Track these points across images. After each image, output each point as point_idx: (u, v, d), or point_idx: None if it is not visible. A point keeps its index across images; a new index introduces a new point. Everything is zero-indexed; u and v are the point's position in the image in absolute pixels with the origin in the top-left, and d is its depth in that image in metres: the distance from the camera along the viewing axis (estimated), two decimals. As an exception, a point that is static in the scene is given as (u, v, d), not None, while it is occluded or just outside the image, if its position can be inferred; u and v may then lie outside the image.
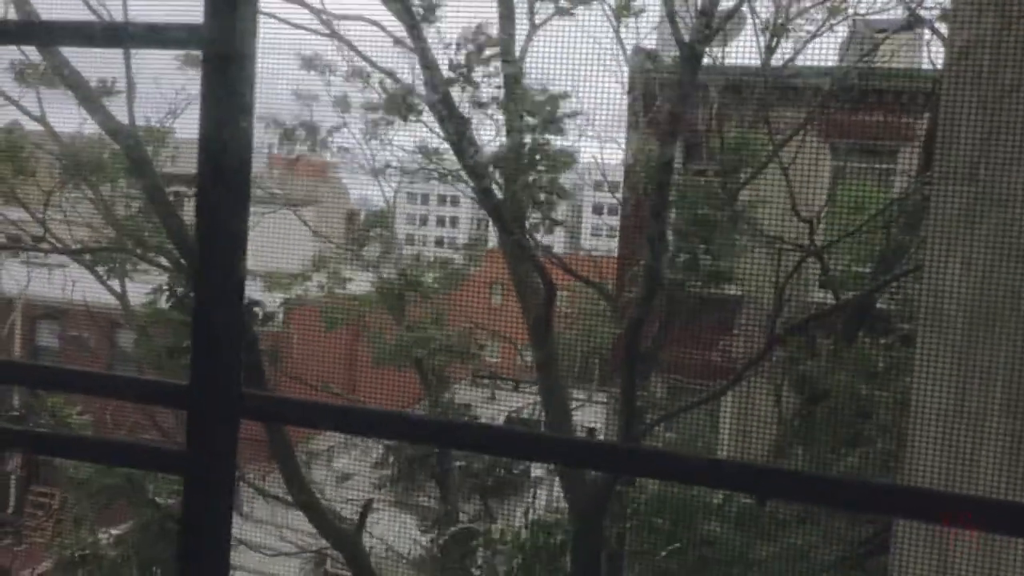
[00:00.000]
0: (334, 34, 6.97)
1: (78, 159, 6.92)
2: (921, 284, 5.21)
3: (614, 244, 8.35)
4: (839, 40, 6.85)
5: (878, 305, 6.39)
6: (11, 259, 8.27)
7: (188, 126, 7.55)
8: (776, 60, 6.61)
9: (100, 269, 7.21)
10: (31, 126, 7.32)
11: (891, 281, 6.06)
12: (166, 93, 6.99)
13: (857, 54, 6.55)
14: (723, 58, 6.73)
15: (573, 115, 6.78)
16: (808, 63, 6.65)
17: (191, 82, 6.98)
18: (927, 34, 6.32)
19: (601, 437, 7.73)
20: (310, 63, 7.12)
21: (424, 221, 9.52)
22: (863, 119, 6.73)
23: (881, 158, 7.08)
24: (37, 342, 9.52)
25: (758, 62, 6.42)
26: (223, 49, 0.91)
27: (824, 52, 7.02)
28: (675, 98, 6.28)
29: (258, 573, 7.93)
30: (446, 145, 7.03)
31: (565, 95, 6.72)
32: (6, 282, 8.77)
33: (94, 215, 7.15)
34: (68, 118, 6.76)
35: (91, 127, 6.64)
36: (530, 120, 6.79)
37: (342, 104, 7.16)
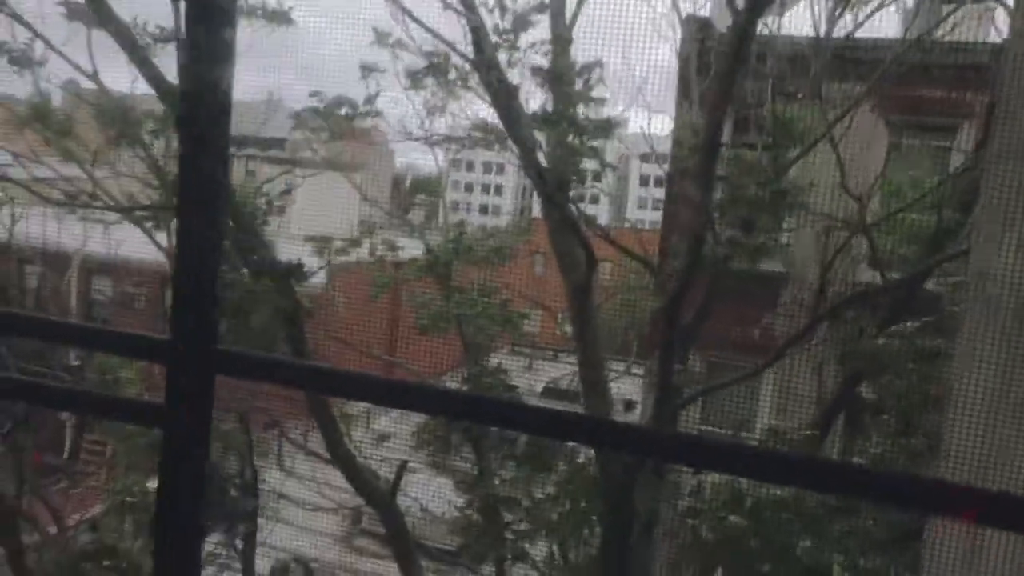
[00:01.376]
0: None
1: (127, 116, 7.05)
2: (970, 266, 5.05)
3: (659, 216, 8.25)
4: (903, 11, 6.60)
5: (927, 286, 6.21)
6: (69, 215, 8.51)
7: (239, 86, 7.64)
8: (837, 32, 6.40)
9: (148, 225, 7.38)
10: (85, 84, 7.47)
11: (941, 262, 5.87)
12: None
13: (922, 26, 6.30)
14: (779, 28, 6.54)
15: (602, 98, 6.66)
16: (870, 35, 6.43)
17: (243, 34, 7.03)
18: (995, 5, 6.04)
19: (639, 410, 7.70)
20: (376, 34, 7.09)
21: (470, 188, 9.53)
22: (923, 94, 6.49)
23: (940, 135, 6.83)
24: (92, 296, 9.83)
25: (817, 33, 6.21)
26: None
27: (887, 24, 6.78)
28: (727, 69, 6.12)
29: (298, 526, 8.15)
30: (493, 112, 6.99)
31: (599, 64, 6.59)
32: (65, 238, 9.07)
33: (144, 173, 7.31)
34: (120, 75, 6.88)
35: (142, 85, 6.74)
36: (576, 88, 6.70)
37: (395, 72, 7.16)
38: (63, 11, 6.85)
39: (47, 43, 7.07)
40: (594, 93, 6.90)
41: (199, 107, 0.90)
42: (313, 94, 7.07)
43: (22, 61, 7.27)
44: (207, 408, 0.95)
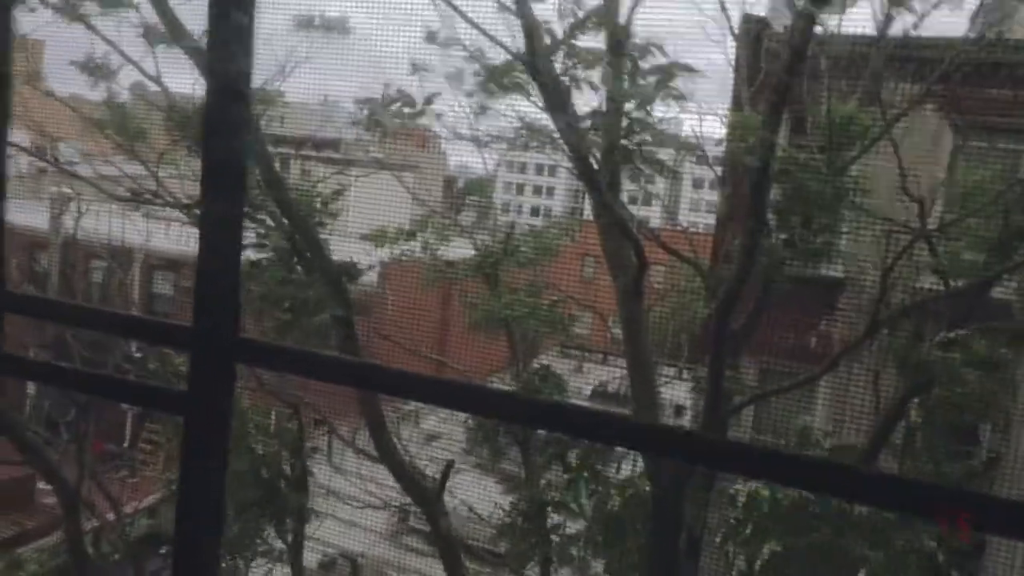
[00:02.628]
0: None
1: (189, 118, 7.25)
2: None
3: (712, 220, 8.12)
4: (968, 9, 6.38)
5: (993, 295, 5.98)
6: (133, 212, 8.79)
7: (296, 88, 7.79)
8: (897, 30, 6.22)
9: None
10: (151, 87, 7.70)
11: (1008, 270, 5.65)
12: (278, 55, 7.21)
13: (988, 24, 6.08)
14: (839, 27, 6.38)
15: (677, 93, 6.58)
16: (934, 33, 6.22)
17: (302, 43, 7.18)
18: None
19: (689, 415, 7.60)
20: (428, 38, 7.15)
21: (521, 190, 9.53)
22: (991, 94, 6.26)
23: (1009, 137, 6.58)
24: (153, 290, 10.12)
25: (877, 31, 6.04)
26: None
27: (951, 22, 6.55)
28: (783, 69, 5.99)
29: (346, 522, 8.25)
30: (545, 115, 6.98)
31: (674, 67, 6.52)
32: (129, 233, 9.37)
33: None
34: (183, 79, 7.09)
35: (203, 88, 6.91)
36: (630, 90, 6.64)
37: (448, 74, 7.20)
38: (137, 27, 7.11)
39: (122, 53, 7.34)
40: (647, 95, 6.84)
41: (221, 100, 0.91)
42: (364, 99, 7.15)
43: (100, 72, 7.59)
44: (229, 395, 0.95)
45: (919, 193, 5.77)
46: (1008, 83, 6.02)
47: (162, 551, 8.16)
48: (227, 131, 0.92)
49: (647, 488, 6.90)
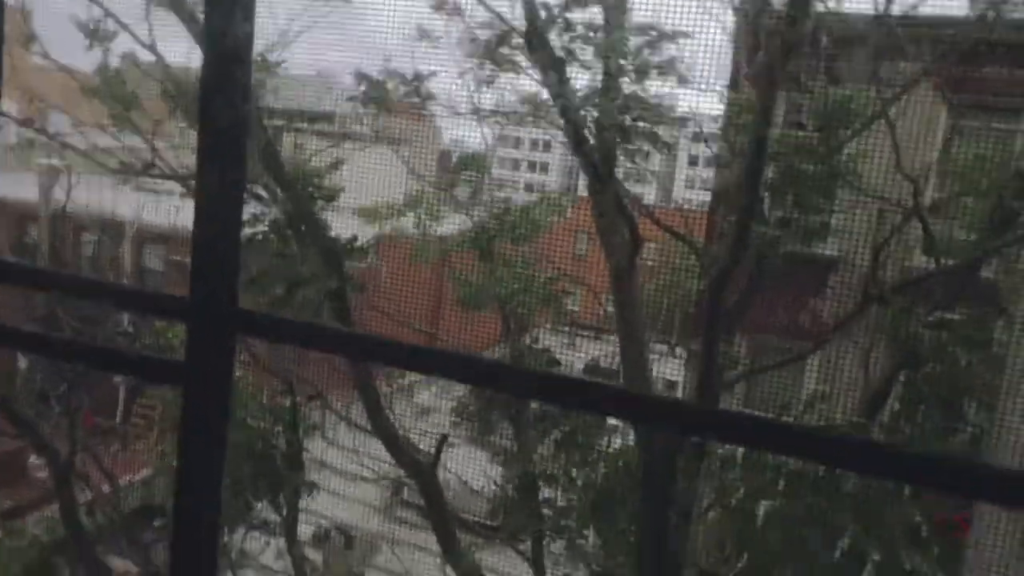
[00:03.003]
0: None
1: (184, 88, 7.18)
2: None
3: (707, 198, 8.12)
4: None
5: (983, 274, 6.01)
6: (123, 185, 8.72)
7: (290, 60, 7.73)
8: (896, 8, 6.19)
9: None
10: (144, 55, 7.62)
11: (996, 249, 5.68)
12: (278, 22, 7.12)
13: (987, 3, 6.05)
14: (838, 3, 6.34)
15: (671, 64, 6.55)
16: (932, 12, 6.19)
17: (307, 10, 7.11)
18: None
19: (680, 391, 7.64)
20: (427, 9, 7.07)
21: (516, 166, 9.49)
22: (987, 74, 6.24)
23: (1005, 117, 6.58)
24: (143, 264, 10.08)
25: (876, 9, 6.01)
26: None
27: (951, 1, 6.52)
28: (780, 47, 5.96)
29: (339, 495, 8.31)
30: (541, 89, 6.94)
31: (663, 37, 6.48)
32: (121, 206, 9.31)
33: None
34: (178, 47, 7.00)
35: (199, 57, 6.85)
36: (627, 65, 6.60)
37: (446, 45, 7.14)
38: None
39: (116, 19, 7.25)
40: (645, 71, 6.80)
41: (220, 63, 0.89)
42: (360, 73, 7.10)
43: (97, 36, 7.49)
44: (228, 367, 0.95)
45: (914, 172, 5.78)
46: (1004, 62, 6.01)
47: (156, 523, 8.21)
48: (226, 96, 0.92)
49: (638, 460, 6.97)
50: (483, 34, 6.99)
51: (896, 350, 5.98)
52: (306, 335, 1.04)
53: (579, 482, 7.17)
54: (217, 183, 0.93)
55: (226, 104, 0.91)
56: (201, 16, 6.42)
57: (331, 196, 7.66)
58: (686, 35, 6.65)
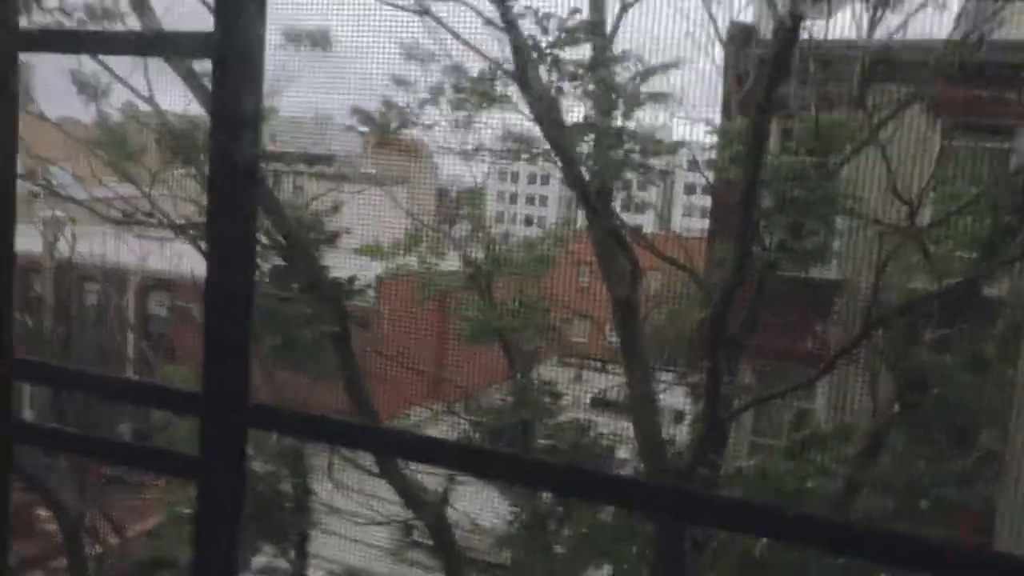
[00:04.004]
0: (425, 11, 7.01)
1: (182, 138, 7.26)
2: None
3: (706, 225, 8.15)
4: (949, 10, 6.43)
5: (985, 292, 6.02)
6: (126, 233, 8.78)
7: (286, 103, 7.82)
8: (882, 33, 6.27)
9: (203, 244, 7.56)
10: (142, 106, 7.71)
11: (997, 267, 5.69)
12: (268, 71, 7.22)
13: (973, 24, 6.13)
14: (825, 32, 6.43)
15: (663, 96, 6.62)
16: (918, 36, 6.27)
17: (291, 59, 7.22)
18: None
19: (688, 421, 7.61)
20: (408, 49, 7.19)
21: (513, 199, 9.54)
22: (977, 94, 6.30)
23: (997, 136, 6.63)
24: (148, 311, 10.11)
25: (859, 34, 6.09)
26: (231, 59, 0.92)
27: (936, 23, 6.60)
28: (770, 75, 6.03)
29: (349, 539, 8.24)
30: (535, 126, 7.01)
31: (653, 71, 6.56)
32: (124, 255, 9.36)
33: (199, 193, 7.51)
34: (175, 98, 7.09)
35: (196, 107, 6.95)
36: (618, 98, 6.68)
37: (433, 89, 7.24)
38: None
39: (112, 73, 7.35)
40: (642, 105, 6.88)
41: (230, 167, 0.91)
42: (357, 110, 7.19)
43: (91, 91, 7.60)
44: (241, 460, 0.96)
45: (908, 194, 5.81)
46: (992, 83, 6.07)
47: (164, 574, 8.14)
48: (236, 202, 0.94)
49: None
50: (474, 75, 7.09)
51: (899, 374, 5.97)
52: (319, 429, 1.04)
53: (589, 517, 7.12)
54: (227, 280, 0.95)
55: (236, 209, 0.93)
56: (200, 74, 6.51)
57: (331, 239, 7.70)
58: (676, 66, 6.74)
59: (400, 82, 7.35)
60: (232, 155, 0.92)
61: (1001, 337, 5.79)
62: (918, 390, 5.91)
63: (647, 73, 6.73)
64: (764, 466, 6.43)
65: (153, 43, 1.24)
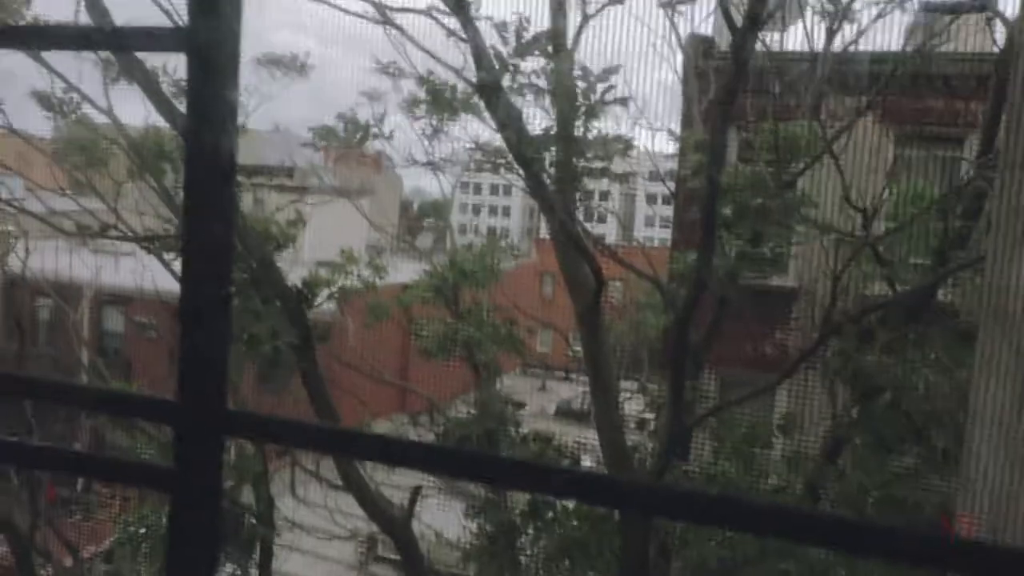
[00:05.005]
0: (388, 21, 7.00)
1: (144, 152, 7.14)
2: (983, 277, 5.01)
3: (667, 234, 8.26)
4: (904, 25, 6.62)
5: (938, 298, 6.17)
6: (80, 247, 8.60)
7: (257, 123, 7.77)
8: (837, 46, 6.42)
9: (167, 256, 7.43)
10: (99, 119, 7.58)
11: (949, 273, 5.84)
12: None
13: (923, 38, 6.31)
14: (781, 44, 6.56)
15: (622, 100, 6.68)
16: (871, 48, 6.44)
17: (264, 83, 7.21)
18: (993, 16, 6.05)
19: (652, 428, 7.67)
20: (379, 65, 7.18)
21: (477, 211, 9.57)
22: (928, 105, 6.49)
23: (947, 146, 6.82)
24: (104, 327, 9.90)
25: (812, 48, 6.23)
26: (206, 52, 0.91)
27: (888, 37, 6.79)
28: (728, 86, 6.14)
29: (314, 555, 8.13)
30: (498, 136, 7.04)
31: (607, 74, 6.62)
32: (78, 269, 9.15)
33: (160, 205, 7.38)
34: (135, 112, 6.99)
35: (158, 120, 6.86)
36: (578, 109, 6.73)
37: (396, 101, 7.23)
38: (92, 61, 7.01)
39: (69, 84, 7.21)
40: (598, 114, 6.94)
41: (206, 168, 0.89)
42: (317, 125, 7.16)
43: (56, 107, 7.47)
44: (217, 471, 0.94)
45: (863, 203, 5.94)
46: (942, 94, 6.25)
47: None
48: (213, 201, 0.92)
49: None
50: (436, 86, 7.09)
51: (856, 379, 6.09)
52: (298, 435, 1.03)
53: (555, 529, 7.12)
54: (204, 280, 0.93)
55: (213, 211, 0.92)
56: (165, 89, 6.42)
57: (289, 241, 7.58)
58: (617, 71, 6.81)
59: (363, 95, 7.35)
60: (210, 151, 0.91)
61: (953, 341, 5.94)
62: (872, 394, 6.03)
63: (599, 79, 6.79)
64: (720, 470, 6.51)
65: (127, 37, 1.22)
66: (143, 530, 7.35)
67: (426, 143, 7.37)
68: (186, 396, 0.95)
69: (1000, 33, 6.06)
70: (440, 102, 6.87)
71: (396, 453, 1.04)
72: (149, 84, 6.31)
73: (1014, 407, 3.50)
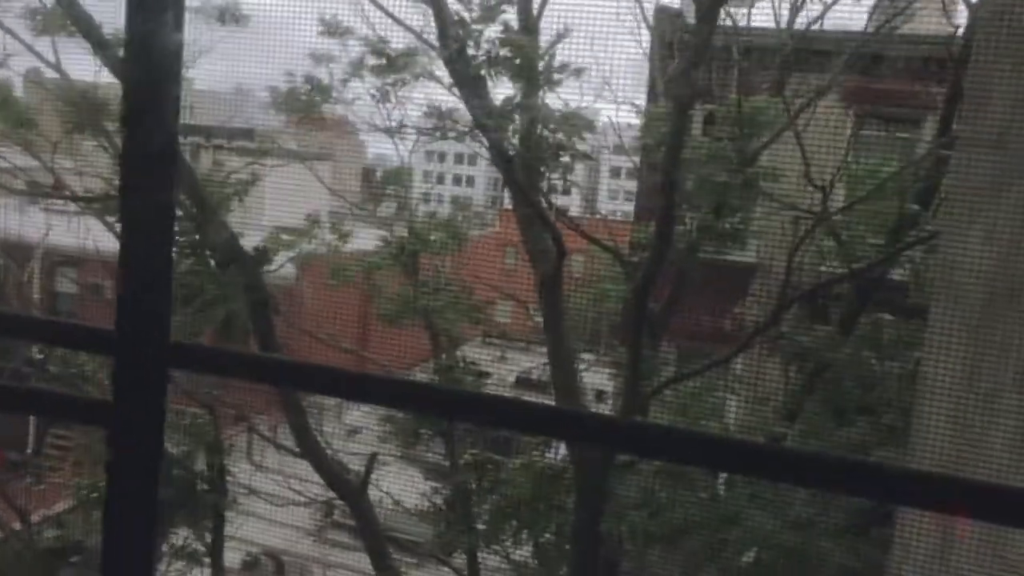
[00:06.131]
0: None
1: (90, 107, 6.93)
2: (936, 255, 5.12)
3: (631, 208, 8.28)
4: (869, 2, 6.67)
5: (891, 276, 6.30)
6: (30, 205, 8.35)
7: (204, 76, 7.55)
8: (802, 23, 6.46)
9: (110, 219, 7.24)
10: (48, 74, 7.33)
11: (900, 251, 5.96)
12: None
13: (885, 17, 6.37)
14: (748, 19, 6.58)
15: (577, 71, 6.66)
16: (835, 26, 6.49)
17: (203, 34, 6.98)
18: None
19: (609, 400, 7.75)
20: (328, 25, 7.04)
21: (440, 179, 9.48)
22: (888, 86, 6.57)
23: (905, 127, 6.92)
24: (56, 288, 9.66)
25: (778, 24, 6.27)
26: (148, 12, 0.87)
27: (853, 15, 6.84)
28: (692, 60, 6.15)
29: (268, 521, 8.10)
30: (461, 104, 6.97)
31: (560, 38, 6.58)
32: (27, 229, 8.88)
33: (106, 164, 7.18)
34: (83, 66, 6.77)
35: (107, 76, 6.65)
36: (542, 77, 6.69)
37: (356, 63, 7.10)
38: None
39: (15, 36, 6.95)
40: (562, 83, 6.91)
41: (148, 78, 0.86)
42: (278, 82, 7.00)
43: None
44: (160, 404, 0.91)
45: (822, 180, 6.02)
46: (903, 75, 6.33)
47: (73, 559, 7.84)
48: (155, 111, 0.88)
49: (569, 468, 7.03)
50: (397, 50, 6.98)
51: (808, 355, 6.21)
52: (246, 367, 1.00)
53: (508, 493, 7.18)
54: (145, 209, 0.89)
55: (154, 120, 0.87)
56: (109, 40, 6.22)
57: (241, 193, 7.43)
58: (567, 35, 6.77)
59: (322, 57, 7.20)
60: (155, 60, 0.87)
61: (902, 319, 6.08)
62: (821, 370, 6.17)
63: (556, 41, 6.74)
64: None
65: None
66: (95, 495, 7.24)
67: (388, 109, 7.26)
68: (126, 327, 0.91)
69: (962, 14, 6.15)
70: (403, 65, 6.78)
71: (347, 385, 1.02)
72: (94, 35, 6.11)
73: (964, 381, 3.58)
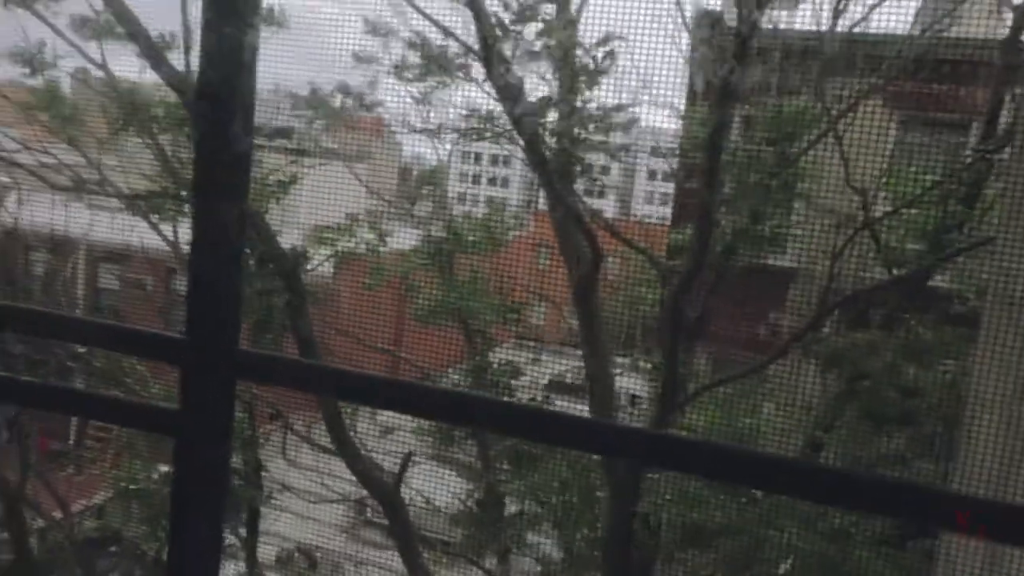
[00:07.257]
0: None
1: (135, 107, 7.05)
2: (981, 262, 5.01)
3: (667, 212, 8.23)
4: (915, 5, 6.55)
5: (935, 283, 6.19)
6: (76, 201, 8.52)
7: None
8: (844, 26, 6.36)
9: (154, 217, 7.37)
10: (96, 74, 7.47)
11: (945, 258, 5.85)
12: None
13: (931, 20, 6.26)
14: (791, 22, 6.50)
15: (616, 64, 6.62)
16: (880, 29, 6.39)
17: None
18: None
19: (643, 405, 7.70)
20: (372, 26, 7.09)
21: (476, 180, 9.49)
22: (934, 90, 6.44)
23: (953, 131, 6.79)
24: (99, 283, 9.84)
25: (818, 27, 6.18)
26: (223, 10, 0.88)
27: (898, 17, 6.73)
28: (733, 63, 6.08)
29: (302, 517, 8.18)
30: (498, 105, 6.97)
31: (606, 40, 6.56)
32: (71, 225, 9.06)
33: (150, 162, 7.31)
34: (129, 67, 6.89)
35: (151, 76, 6.76)
36: (580, 79, 6.67)
37: (396, 65, 7.14)
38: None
39: (62, 36, 7.10)
40: (600, 82, 6.88)
41: (220, 101, 0.86)
42: (315, 85, 7.08)
43: (35, 64, 7.36)
44: (228, 414, 0.92)
45: (864, 185, 5.93)
46: (949, 79, 6.21)
47: (112, 548, 7.99)
48: (229, 117, 0.89)
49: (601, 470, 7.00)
50: (436, 51, 7.01)
51: (840, 362, 6.12)
52: (306, 377, 1.01)
53: (541, 495, 7.17)
54: (217, 217, 0.90)
55: (230, 130, 0.88)
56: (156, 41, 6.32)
57: (281, 195, 7.52)
58: (621, 38, 6.74)
59: (362, 58, 7.25)
60: (227, 86, 0.88)
61: (946, 327, 5.96)
62: (860, 377, 6.06)
63: (598, 44, 6.72)
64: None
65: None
66: (134, 486, 7.38)
67: (424, 109, 7.29)
68: (195, 334, 0.92)
69: (1008, 17, 6.01)
70: (442, 67, 6.80)
71: (411, 400, 1.03)
72: (141, 38, 6.22)
73: (1017, 392, 3.49)
